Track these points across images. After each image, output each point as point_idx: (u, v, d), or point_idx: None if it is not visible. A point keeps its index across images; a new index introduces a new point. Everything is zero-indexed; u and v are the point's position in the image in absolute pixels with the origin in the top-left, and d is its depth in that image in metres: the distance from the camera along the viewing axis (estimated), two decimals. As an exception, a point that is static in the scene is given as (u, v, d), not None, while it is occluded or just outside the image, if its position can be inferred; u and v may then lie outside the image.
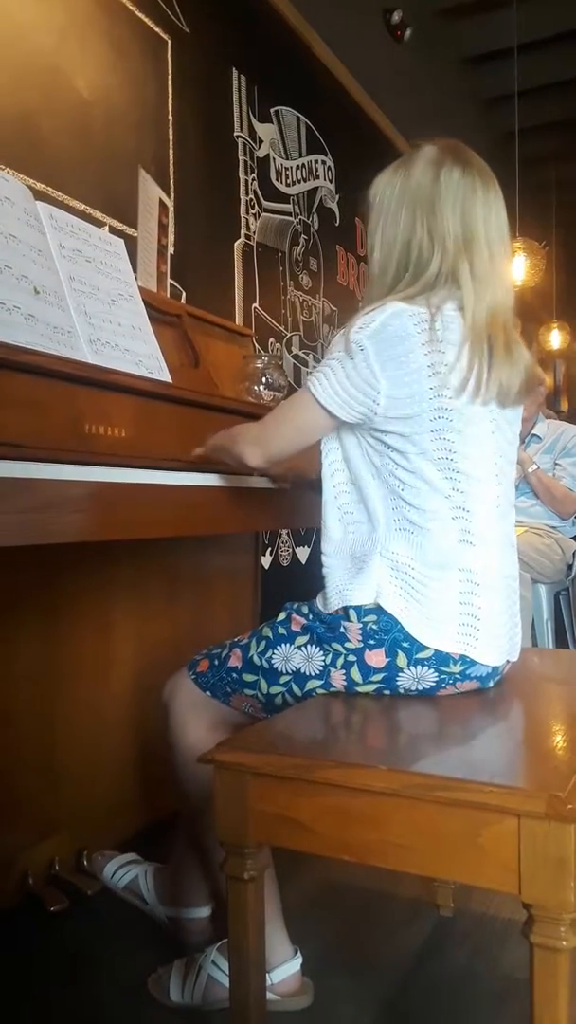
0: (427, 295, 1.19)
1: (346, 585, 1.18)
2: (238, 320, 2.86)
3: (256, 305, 3.01)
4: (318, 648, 1.20)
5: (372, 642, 1.16)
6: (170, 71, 2.50)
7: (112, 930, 1.50)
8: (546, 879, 0.82)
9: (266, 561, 2.94)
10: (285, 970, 1.27)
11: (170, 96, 2.50)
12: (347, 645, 1.18)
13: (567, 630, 3.33)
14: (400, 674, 1.16)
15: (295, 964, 1.28)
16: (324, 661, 1.20)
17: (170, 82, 2.50)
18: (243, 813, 0.97)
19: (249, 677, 1.25)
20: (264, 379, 2.03)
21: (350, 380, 1.16)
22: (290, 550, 3.15)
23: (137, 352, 1.57)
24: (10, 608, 1.46)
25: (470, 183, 1.21)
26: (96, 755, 1.65)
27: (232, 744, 1.00)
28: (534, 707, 1.19)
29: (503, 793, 0.83)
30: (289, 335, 3.25)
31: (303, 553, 3.21)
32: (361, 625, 1.16)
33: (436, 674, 1.15)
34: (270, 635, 1.25)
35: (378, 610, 1.15)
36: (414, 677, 1.15)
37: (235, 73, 2.89)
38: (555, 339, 6.81)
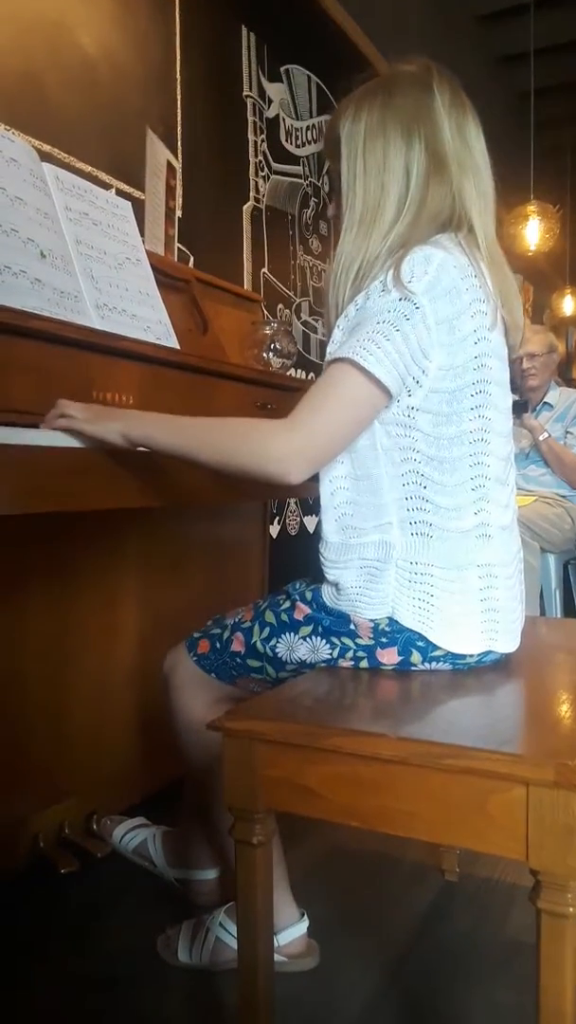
0: (454, 237, 1.06)
1: (356, 598, 1.08)
2: (247, 285, 2.83)
3: (265, 270, 2.97)
4: (324, 640, 1.13)
5: (384, 640, 1.09)
6: (178, 29, 2.44)
7: (121, 892, 1.52)
8: (554, 846, 0.82)
9: (274, 530, 2.94)
10: (292, 932, 1.29)
11: (178, 54, 2.44)
12: (357, 641, 1.11)
13: (575, 599, 3.33)
14: (412, 668, 1.11)
15: (302, 927, 1.30)
16: (331, 654, 1.13)
17: (178, 40, 2.44)
18: (252, 779, 0.97)
19: (254, 663, 1.19)
20: (273, 345, 2.01)
21: (407, 345, 0.99)
22: (298, 519, 3.15)
23: (145, 318, 1.56)
24: (20, 577, 1.46)
25: (460, 102, 1.10)
26: (105, 721, 1.67)
27: (241, 711, 1.01)
28: (543, 676, 1.18)
29: (511, 761, 0.83)
30: (298, 301, 3.21)
31: (311, 523, 3.21)
32: (372, 624, 1.09)
33: (451, 666, 1.11)
34: (273, 621, 1.17)
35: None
36: (428, 671, 1.11)
37: (244, 31, 2.82)
38: (568, 305, 6.73)
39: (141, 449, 1.12)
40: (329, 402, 1.01)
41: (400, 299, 1.00)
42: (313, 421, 1.01)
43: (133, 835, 1.53)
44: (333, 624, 1.12)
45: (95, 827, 1.55)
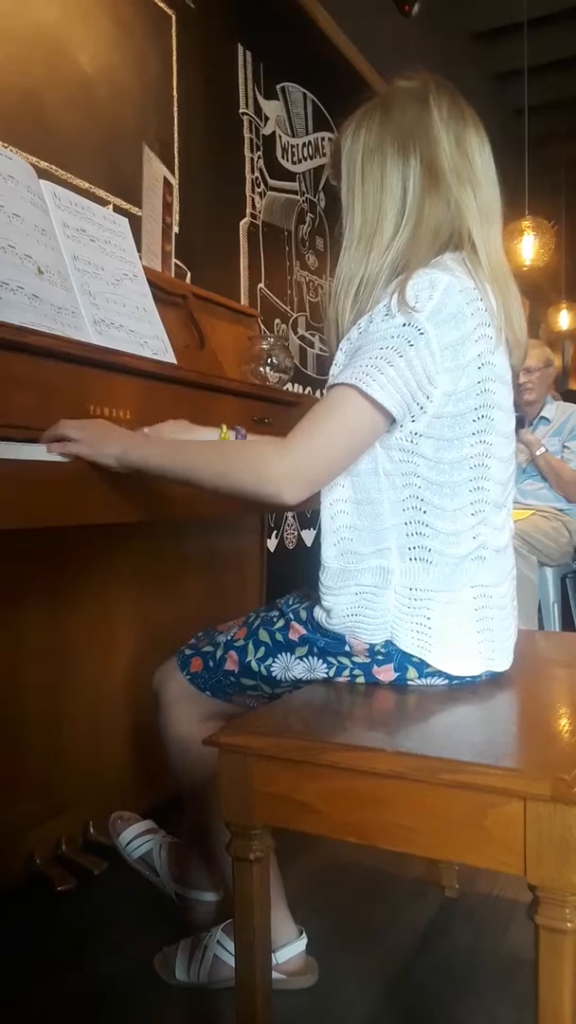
0: (458, 256, 1.06)
1: (354, 624, 1.07)
2: (243, 301, 2.84)
3: (262, 285, 2.99)
4: (320, 660, 1.13)
5: (380, 657, 1.09)
6: (174, 47, 2.46)
7: (118, 910, 1.51)
8: (551, 861, 0.81)
9: (271, 544, 2.94)
10: (290, 950, 1.28)
11: (174, 72, 2.46)
12: (354, 659, 1.11)
13: (573, 613, 3.33)
14: (409, 683, 1.10)
15: (300, 944, 1.29)
16: (328, 673, 1.13)
17: (174, 58, 2.46)
18: (248, 795, 0.97)
19: (248, 681, 1.18)
20: (270, 360, 2.01)
21: (412, 372, 0.98)
22: (295, 532, 3.15)
23: (142, 333, 1.56)
24: (17, 591, 1.46)
25: (459, 113, 1.09)
26: (102, 735, 1.66)
27: (237, 727, 1.00)
28: (540, 690, 1.18)
29: (509, 775, 0.83)
30: (295, 316, 3.22)
31: (308, 536, 3.21)
32: (369, 645, 1.09)
33: (447, 681, 1.10)
34: (268, 641, 1.16)
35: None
36: (424, 685, 1.10)
37: (240, 49, 2.85)
38: (564, 320, 6.77)
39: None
40: (328, 425, 1.00)
41: (404, 324, 0.98)
42: (310, 443, 1.00)
43: (140, 842, 1.49)
44: (329, 645, 1.12)
45: (94, 832, 1.54)
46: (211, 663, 1.21)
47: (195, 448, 1.12)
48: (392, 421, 1.01)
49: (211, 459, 1.06)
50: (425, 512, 1.04)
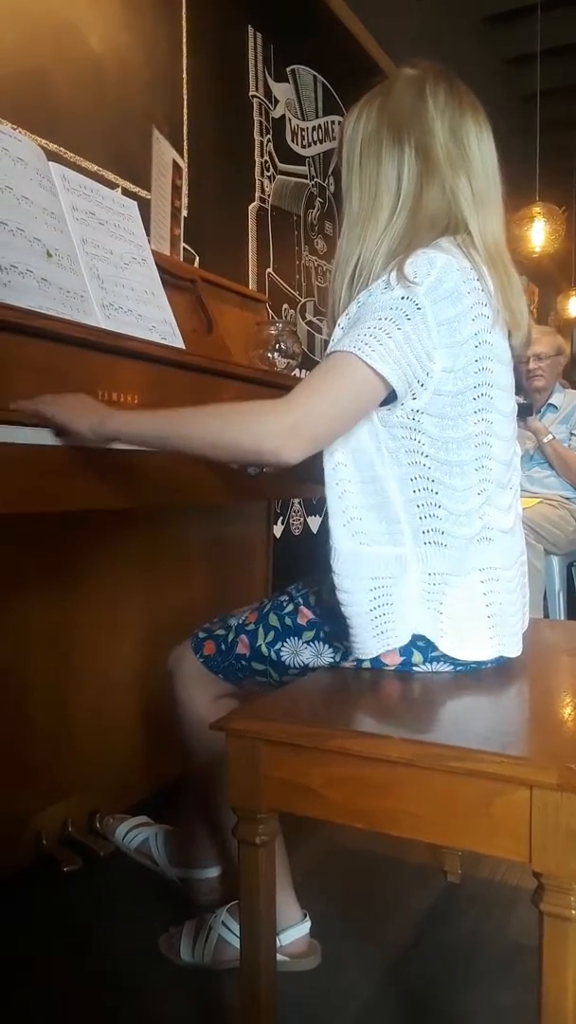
0: (454, 240, 1.07)
1: (370, 636, 1.05)
2: (252, 285, 2.83)
3: (270, 270, 2.97)
4: (327, 645, 1.14)
5: None
6: (184, 29, 2.44)
7: (124, 891, 1.52)
8: (557, 849, 0.82)
9: (278, 530, 2.93)
10: (294, 932, 1.29)
11: (184, 55, 2.44)
12: None
13: (579, 601, 3.32)
14: (414, 668, 1.10)
15: (304, 927, 1.30)
16: (334, 657, 1.14)
17: (184, 40, 2.44)
18: (255, 780, 0.97)
19: (258, 666, 1.20)
20: (278, 346, 2.01)
21: (410, 345, 0.98)
22: (302, 519, 3.15)
23: (150, 317, 1.56)
24: (24, 575, 1.47)
25: (457, 102, 1.10)
26: (109, 719, 1.67)
27: (245, 712, 1.01)
28: (546, 678, 1.18)
29: (515, 764, 0.83)
30: (303, 301, 3.21)
31: (314, 523, 3.21)
32: None
33: (452, 667, 1.10)
34: (277, 625, 1.18)
35: None
36: (429, 671, 1.10)
37: (251, 31, 2.82)
38: (573, 307, 6.70)
39: (119, 446, 1.11)
40: (328, 384, 1.00)
41: (403, 297, 1.00)
42: (311, 401, 0.99)
43: (135, 833, 1.53)
44: (336, 629, 1.12)
45: (98, 825, 1.56)
46: (223, 646, 1.23)
47: (184, 412, 1.07)
48: (391, 391, 1.01)
49: (204, 420, 1.04)
50: (437, 493, 1.04)
